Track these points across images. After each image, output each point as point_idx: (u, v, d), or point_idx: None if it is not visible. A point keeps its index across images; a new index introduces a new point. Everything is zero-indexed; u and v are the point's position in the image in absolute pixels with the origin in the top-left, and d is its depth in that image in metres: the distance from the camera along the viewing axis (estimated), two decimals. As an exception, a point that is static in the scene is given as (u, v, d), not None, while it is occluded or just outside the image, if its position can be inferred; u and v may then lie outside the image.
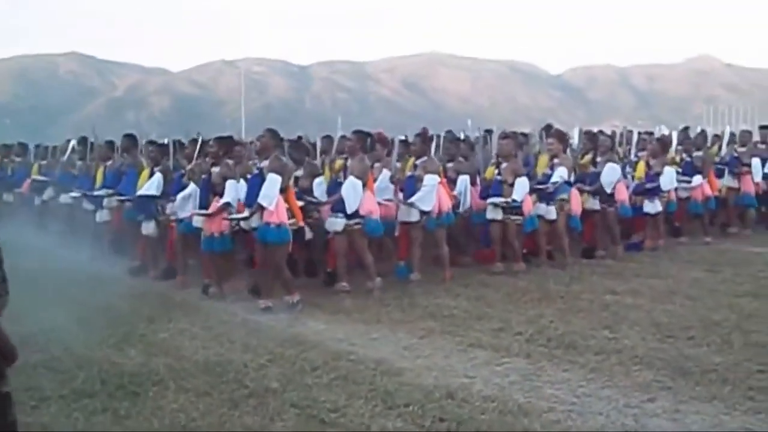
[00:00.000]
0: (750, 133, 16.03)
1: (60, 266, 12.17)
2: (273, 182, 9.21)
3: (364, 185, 10.01)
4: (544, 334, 7.84)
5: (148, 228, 11.42)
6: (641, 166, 13.12)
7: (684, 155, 14.26)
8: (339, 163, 10.84)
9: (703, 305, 9.02)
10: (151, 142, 12.71)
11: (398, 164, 11.31)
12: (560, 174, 11.45)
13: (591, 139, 13.17)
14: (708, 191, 13.83)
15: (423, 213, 10.52)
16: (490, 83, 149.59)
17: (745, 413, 5.66)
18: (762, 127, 15.96)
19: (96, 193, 12.79)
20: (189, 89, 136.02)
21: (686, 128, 17.11)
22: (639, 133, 15.50)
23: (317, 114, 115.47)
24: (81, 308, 9.16)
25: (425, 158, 10.83)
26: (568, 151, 12.21)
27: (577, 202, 11.88)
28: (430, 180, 10.54)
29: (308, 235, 10.21)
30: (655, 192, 12.83)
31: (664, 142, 13.72)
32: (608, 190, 12.33)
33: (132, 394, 6.26)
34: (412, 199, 10.47)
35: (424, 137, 11.23)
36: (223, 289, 10.13)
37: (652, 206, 12.80)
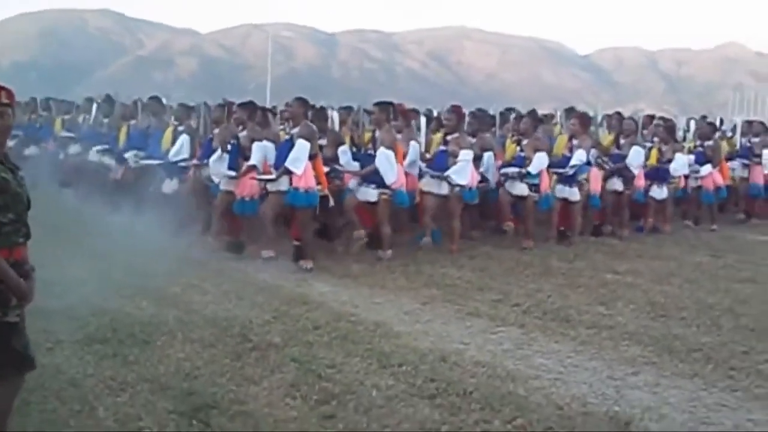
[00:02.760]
0: (763, 123, 16.16)
1: (82, 219, 12.47)
2: (302, 148, 9.56)
3: (395, 155, 10.30)
4: (541, 307, 8.13)
5: (170, 186, 11.70)
6: (654, 152, 13.30)
7: (698, 144, 14.45)
8: (367, 135, 11.09)
9: (700, 288, 9.26)
10: (181, 105, 12.98)
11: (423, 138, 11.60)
12: (579, 157, 11.67)
13: (617, 121, 13.42)
14: (719, 180, 14.01)
15: (458, 186, 10.77)
16: (516, 60, 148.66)
17: (722, 390, 5.92)
18: None
19: (127, 154, 13.06)
20: (216, 51, 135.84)
21: (704, 117, 17.21)
22: (652, 117, 15.62)
23: (344, 82, 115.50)
24: (99, 260, 9.46)
25: (457, 134, 11.02)
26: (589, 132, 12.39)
27: (596, 181, 12.11)
28: (466, 155, 10.79)
29: (331, 202, 10.48)
30: (664, 178, 13.04)
31: (671, 128, 13.93)
32: (635, 173, 12.58)
33: (141, 342, 6.58)
34: (449, 173, 10.70)
35: (459, 113, 11.39)
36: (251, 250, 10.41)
37: (659, 192, 13.01)
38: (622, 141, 12.85)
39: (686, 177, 13.60)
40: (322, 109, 11.86)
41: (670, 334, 7.27)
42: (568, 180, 11.70)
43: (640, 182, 12.76)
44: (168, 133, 12.31)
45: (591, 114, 13.07)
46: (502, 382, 5.84)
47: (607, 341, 7.04)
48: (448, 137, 11.03)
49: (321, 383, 5.68)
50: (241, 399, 5.37)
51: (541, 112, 14.65)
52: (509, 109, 14.60)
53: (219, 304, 7.89)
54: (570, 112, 13.52)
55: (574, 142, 11.85)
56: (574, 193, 11.73)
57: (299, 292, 8.51)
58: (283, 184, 9.66)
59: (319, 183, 9.83)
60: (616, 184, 12.56)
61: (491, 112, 13.94)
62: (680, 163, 13.20)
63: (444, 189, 10.80)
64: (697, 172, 13.81)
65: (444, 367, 6.13)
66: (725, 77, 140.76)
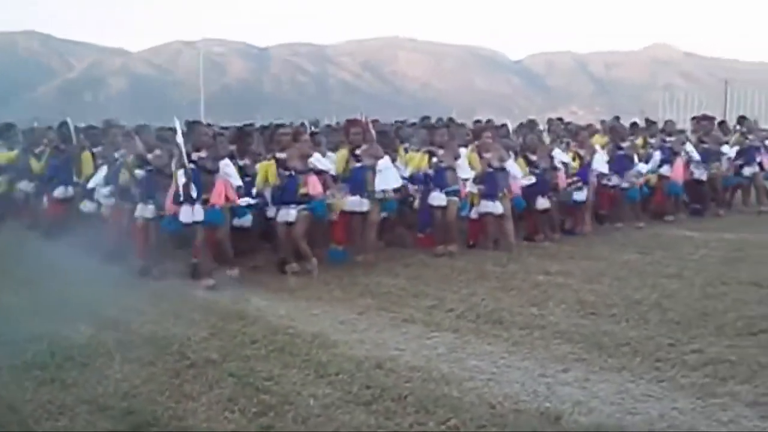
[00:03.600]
0: (674, 122, 16.88)
1: (14, 249, 12.39)
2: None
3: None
4: (474, 310, 8.30)
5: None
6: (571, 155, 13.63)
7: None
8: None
9: (629, 285, 9.51)
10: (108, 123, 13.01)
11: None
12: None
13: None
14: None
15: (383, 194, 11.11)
16: (450, 68, 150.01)
17: (649, 382, 6.13)
18: (697, 119, 16.85)
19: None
20: (147, 70, 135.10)
21: (617, 118, 17.73)
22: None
23: (276, 96, 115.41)
24: (34, 288, 9.46)
25: (366, 146, 11.16)
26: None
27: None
28: (385, 162, 11.04)
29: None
30: (584, 181, 13.38)
31: (591, 131, 14.40)
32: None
33: (80, 364, 6.61)
34: (380, 186, 11.03)
35: (361, 125, 11.51)
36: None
37: (581, 195, 13.35)
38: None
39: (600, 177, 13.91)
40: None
41: (599, 331, 7.48)
42: (490, 195, 11.96)
43: (562, 184, 13.08)
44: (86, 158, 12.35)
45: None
46: (437, 385, 5.99)
47: (539, 341, 7.23)
48: (357, 151, 11.14)
49: (259, 396, 5.78)
50: (179, 415, 5.45)
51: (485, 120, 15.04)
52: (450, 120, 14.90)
53: (157, 323, 7.94)
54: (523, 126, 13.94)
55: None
56: (497, 207, 11.94)
57: (236, 308, 8.58)
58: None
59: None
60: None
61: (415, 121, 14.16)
62: (598, 163, 13.55)
63: (365, 206, 11.00)
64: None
65: (380, 374, 6.27)
66: (655, 78, 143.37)
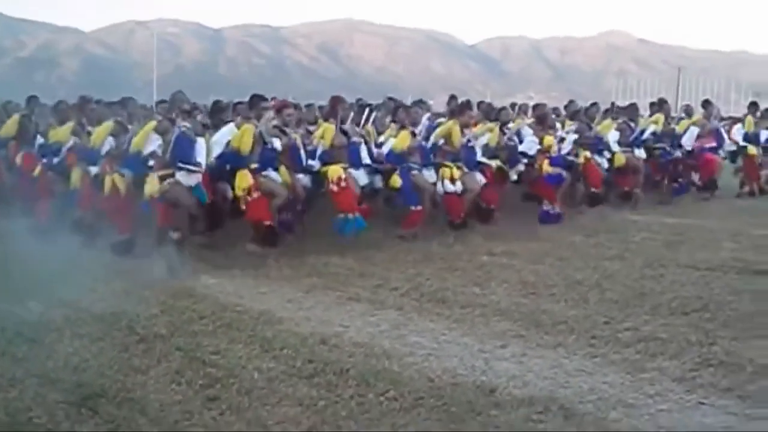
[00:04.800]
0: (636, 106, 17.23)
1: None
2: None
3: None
4: (419, 290, 8.53)
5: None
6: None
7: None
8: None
9: (571, 266, 9.79)
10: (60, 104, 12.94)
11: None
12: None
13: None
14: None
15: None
16: (406, 52, 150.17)
17: (583, 357, 6.39)
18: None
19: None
20: (100, 50, 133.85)
21: (572, 101, 17.97)
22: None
23: (232, 78, 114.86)
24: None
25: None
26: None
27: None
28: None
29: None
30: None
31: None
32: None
33: (30, 340, 6.73)
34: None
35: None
36: None
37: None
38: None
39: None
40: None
41: (538, 309, 7.74)
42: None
43: None
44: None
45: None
46: (378, 360, 6.20)
47: (480, 318, 7.47)
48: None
49: (205, 369, 5.95)
50: (128, 387, 5.60)
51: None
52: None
53: (107, 300, 8.05)
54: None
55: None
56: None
57: (185, 286, 8.72)
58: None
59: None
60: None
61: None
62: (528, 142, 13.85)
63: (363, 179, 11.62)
64: None
65: (323, 349, 6.47)
66: (609, 64, 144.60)
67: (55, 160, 11.66)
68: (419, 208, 11.75)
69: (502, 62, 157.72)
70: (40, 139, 12.01)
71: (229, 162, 10.49)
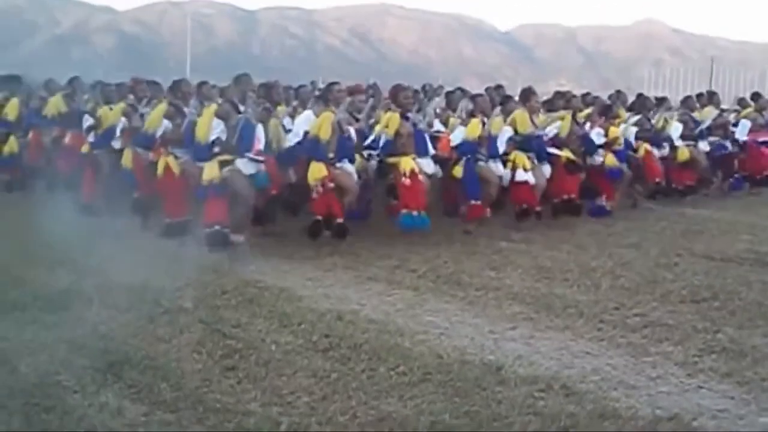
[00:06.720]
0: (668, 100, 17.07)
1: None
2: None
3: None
4: (436, 272, 8.78)
5: None
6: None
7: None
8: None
9: (587, 253, 9.96)
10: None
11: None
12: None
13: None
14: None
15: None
16: (438, 36, 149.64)
17: (589, 340, 6.62)
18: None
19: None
20: (134, 29, 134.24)
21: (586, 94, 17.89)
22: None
23: (264, 60, 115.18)
24: (20, 234, 9.87)
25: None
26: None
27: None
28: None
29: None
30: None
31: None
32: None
33: (60, 308, 7.08)
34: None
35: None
36: None
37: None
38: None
39: None
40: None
41: (550, 294, 7.96)
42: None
43: None
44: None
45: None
46: (391, 336, 6.47)
47: (493, 301, 7.72)
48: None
49: (225, 341, 6.25)
50: (151, 356, 5.91)
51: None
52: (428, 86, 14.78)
53: (135, 273, 8.32)
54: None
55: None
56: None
57: (211, 262, 9.01)
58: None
59: None
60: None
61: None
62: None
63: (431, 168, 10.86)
64: None
65: (339, 325, 6.75)
66: (643, 53, 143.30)
67: (111, 141, 11.68)
68: (479, 202, 11.16)
69: (535, 48, 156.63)
70: (88, 119, 12.01)
71: (308, 151, 10.12)
